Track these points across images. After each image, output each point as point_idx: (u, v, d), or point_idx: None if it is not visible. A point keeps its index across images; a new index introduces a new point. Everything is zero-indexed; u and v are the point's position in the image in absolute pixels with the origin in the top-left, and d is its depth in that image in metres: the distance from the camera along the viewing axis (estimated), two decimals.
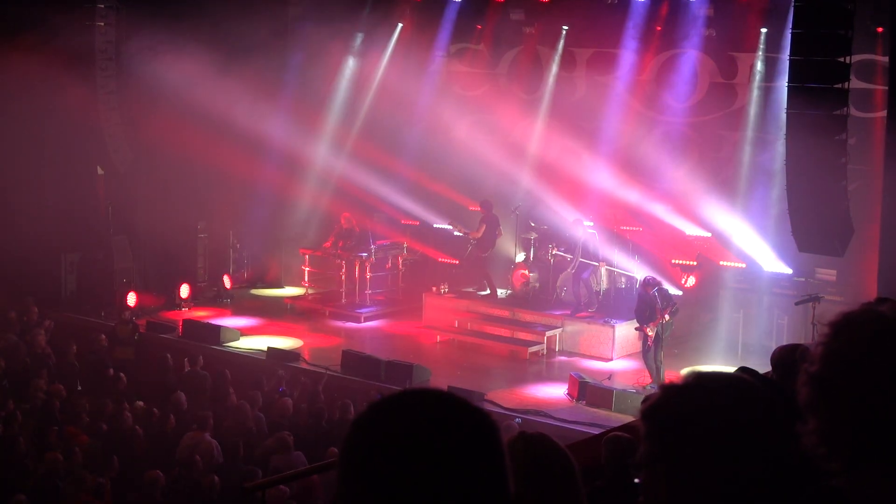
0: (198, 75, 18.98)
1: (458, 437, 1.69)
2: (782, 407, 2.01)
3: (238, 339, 18.54)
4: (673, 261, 18.68)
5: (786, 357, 5.32)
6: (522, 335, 18.41)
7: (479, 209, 19.85)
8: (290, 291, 22.12)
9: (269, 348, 17.65)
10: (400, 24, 22.18)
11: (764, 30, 18.47)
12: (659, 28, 19.65)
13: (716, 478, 1.93)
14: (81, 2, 20.02)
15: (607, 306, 18.36)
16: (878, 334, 1.99)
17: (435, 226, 21.83)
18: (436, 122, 21.05)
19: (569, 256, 18.39)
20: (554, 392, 15.95)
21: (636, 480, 2.06)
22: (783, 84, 15.29)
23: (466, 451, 1.68)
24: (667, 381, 2.03)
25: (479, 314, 19.21)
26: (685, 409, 1.98)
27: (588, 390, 15.32)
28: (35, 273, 19.90)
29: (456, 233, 20.40)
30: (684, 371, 2.11)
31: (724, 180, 18.81)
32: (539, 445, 2.87)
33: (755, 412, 1.97)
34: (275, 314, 20.66)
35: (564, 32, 20.70)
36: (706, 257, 18.68)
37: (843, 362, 2.00)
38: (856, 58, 14.85)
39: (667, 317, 15.58)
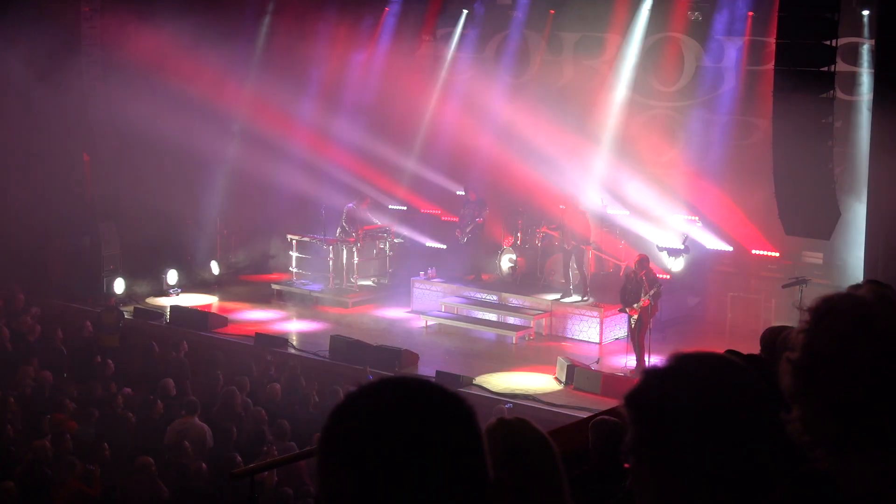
0: (184, 61, 18.92)
1: (434, 424, 1.70)
2: (766, 388, 2.01)
3: (226, 324, 18.53)
4: (660, 244, 18.71)
5: (775, 338, 5.34)
6: (510, 319, 18.45)
7: (470, 195, 19.82)
8: (277, 277, 22.09)
9: (256, 334, 17.65)
10: (387, 8, 22.13)
11: (751, 13, 18.49)
12: (646, 12, 19.64)
13: (699, 461, 1.93)
14: None
15: (595, 290, 18.39)
16: (859, 322, 1.98)
17: (422, 210, 21.85)
18: (423, 107, 21.02)
19: (557, 236, 18.40)
20: (542, 376, 15.97)
21: (626, 465, 2.06)
22: (770, 67, 15.29)
23: (443, 437, 1.69)
24: (649, 365, 2.03)
25: (467, 298, 19.23)
26: (665, 393, 1.98)
27: (576, 374, 15.36)
28: (22, 259, 19.82)
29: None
30: (670, 353, 2.10)
31: (711, 164, 18.83)
32: (518, 431, 2.87)
33: (737, 394, 1.96)
34: (263, 300, 20.66)
35: (551, 16, 20.69)
36: (693, 241, 18.72)
37: (825, 351, 1.99)
38: (842, 41, 14.87)
39: (645, 302, 15.56)
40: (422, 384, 1.76)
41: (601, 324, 17.65)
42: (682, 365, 2.03)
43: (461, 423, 1.73)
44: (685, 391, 1.97)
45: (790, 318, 15.32)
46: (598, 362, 16.38)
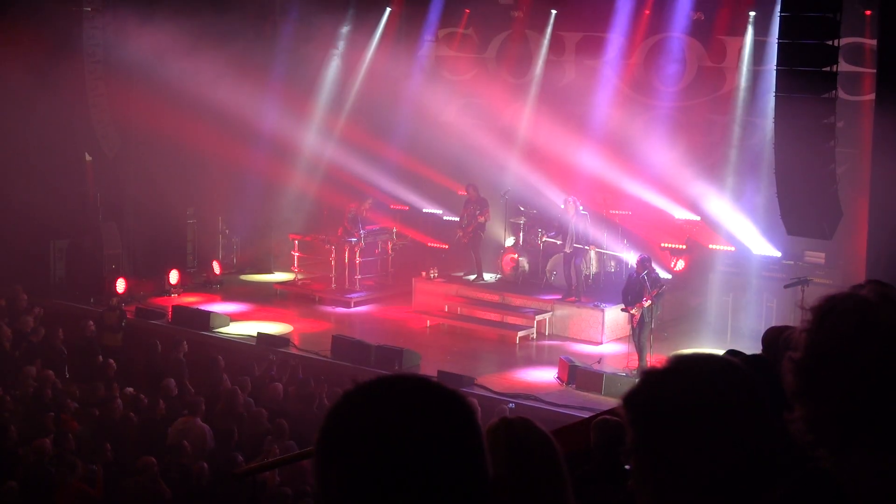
0: (186, 61, 18.90)
1: (433, 422, 1.69)
2: (766, 389, 2.01)
3: (228, 324, 18.52)
4: (662, 244, 18.70)
5: (777, 338, 5.33)
6: (512, 319, 18.42)
7: (471, 194, 19.79)
8: (279, 277, 22.10)
9: (258, 334, 17.63)
10: (388, 9, 22.14)
11: (752, 13, 18.48)
12: (647, 12, 19.65)
13: (699, 462, 1.93)
14: None
15: (597, 290, 18.38)
16: (862, 321, 1.98)
17: (424, 210, 21.85)
18: (424, 107, 21.01)
19: (558, 241, 18.35)
20: (544, 376, 15.97)
21: (626, 467, 2.06)
22: (771, 67, 15.28)
23: (442, 435, 1.69)
24: (648, 365, 2.03)
25: (468, 299, 19.22)
26: (664, 395, 1.98)
27: (578, 374, 15.35)
28: (24, 260, 19.82)
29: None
30: (670, 354, 2.10)
31: (712, 164, 18.82)
32: (521, 430, 2.86)
33: (737, 395, 1.96)
34: (264, 300, 20.64)
35: (553, 16, 20.68)
36: (695, 241, 18.70)
37: (827, 351, 1.99)
38: (844, 41, 14.85)
39: (647, 302, 15.57)
40: (420, 382, 1.76)
41: (603, 323, 17.64)
42: (681, 366, 2.03)
43: (460, 422, 1.73)
44: (683, 392, 1.97)
45: (792, 319, 15.32)
46: (600, 362, 16.37)
